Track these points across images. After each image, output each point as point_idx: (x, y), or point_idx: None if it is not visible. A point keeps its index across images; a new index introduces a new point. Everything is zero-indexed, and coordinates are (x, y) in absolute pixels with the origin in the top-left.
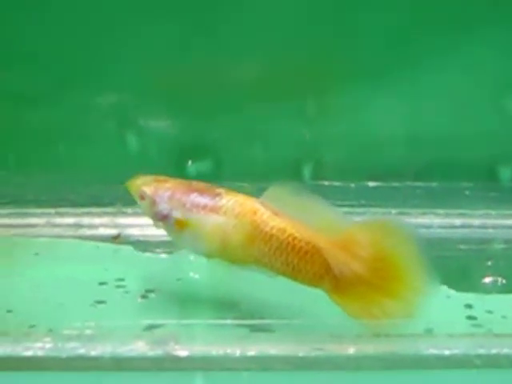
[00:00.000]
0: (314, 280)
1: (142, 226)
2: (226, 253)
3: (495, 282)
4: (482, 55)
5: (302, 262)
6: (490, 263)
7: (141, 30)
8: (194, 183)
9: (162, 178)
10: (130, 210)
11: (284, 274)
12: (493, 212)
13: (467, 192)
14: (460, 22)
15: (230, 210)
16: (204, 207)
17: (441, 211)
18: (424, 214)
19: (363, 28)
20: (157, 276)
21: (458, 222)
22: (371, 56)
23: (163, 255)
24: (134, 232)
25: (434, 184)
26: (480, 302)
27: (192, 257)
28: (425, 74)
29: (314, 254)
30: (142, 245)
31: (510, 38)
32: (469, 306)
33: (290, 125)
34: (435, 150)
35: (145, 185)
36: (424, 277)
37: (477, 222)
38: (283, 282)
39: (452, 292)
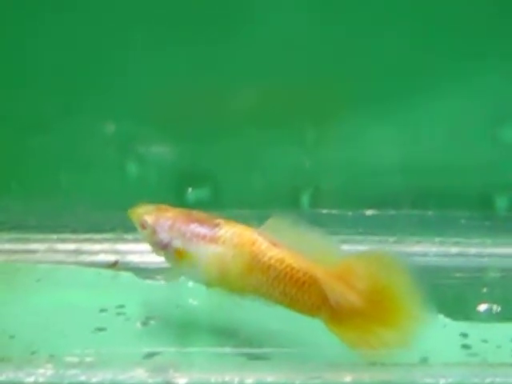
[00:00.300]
0: (311, 310)
1: (142, 252)
2: (225, 282)
3: (490, 310)
4: (478, 85)
5: (299, 293)
6: (485, 291)
7: (141, 58)
8: (195, 213)
9: (163, 206)
10: (130, 237)
11: (282, 303)
12: (488, 241)
13: (463, 221)
14: (455, 53)
15: (228, 240)
16: (203, 237)
17: (437, 239)
18: (420, 242)
19: (362, 56)
20: (157, 303)
21: (453, 250)
22: (370, 84)
23: (163, 282)
24: (134, 258)
25: (430, 212)
26: (475, 330)
27: (191, 283)
28: (422, 102)
29: (311, 284)
30: (142, 271)
31: (506, 69)
32: (464, 335)
33: (289, 152)
34: (431, 178)
35: (146, 213)
36: (420, 308)
37: (472, 250)
38: (282, 311)
39: (448, 321)
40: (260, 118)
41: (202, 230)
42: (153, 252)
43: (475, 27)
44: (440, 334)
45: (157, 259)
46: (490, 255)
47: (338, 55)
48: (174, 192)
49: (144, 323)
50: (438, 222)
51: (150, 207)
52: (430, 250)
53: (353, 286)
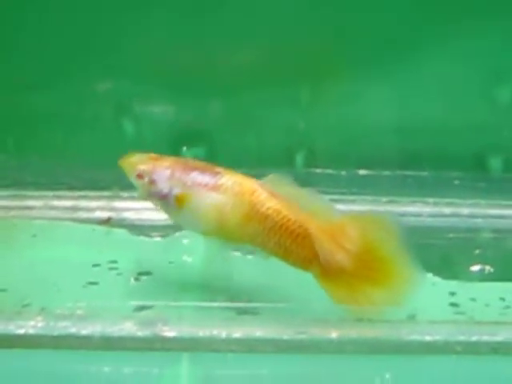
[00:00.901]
0: (303, 263)
1: (137, 209)
2: (223, 231)
3: (482, 270)
4: (473, 46)
5: (293, 244)
6: (477, 252)
7: (137, 17)
8: (191, 161)
9: (154, 155)
10: (125, 194)
11: (276, 254)
12: (482, 202)
13: (456, 181)
14: (450, 14)
15: (229, 188)
16: (205, 185)
17: (430, 200)
18: (413, 202)
19: (358, 18)
20: (150, 259)
21: (447, 210)
22: (365, 47)
23: (157, 238)
24: (130, 216)
25: (424, 173)
26: (464, 289)
27: (185, 240)
28: (416, 65)
29: (305, 237)
30: (137, 228)
31: (500, 29)
32: (452, 294)
33: (284, 112)
34: (426, 139)
35: (142, 163)
36: (410, 269)
37: (465, 211)
38: (273, 266)
39: (437, 279)
40: (256, 78)
41: (204, 178)
42: (147, 201)
43: None
44: (429, 292)
45: (152, 216)
46: (483, 216)
47: (334, 19)
48: (169, 150)
49: (136, 278)
50: (431, 183)
51: (143, 156)
52: (423, 210)
53: (344, 245)
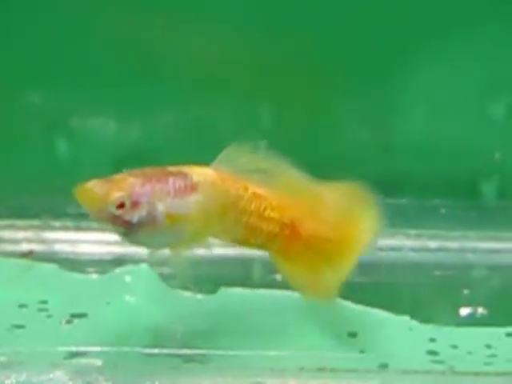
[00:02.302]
0: (267, 239)
1: (71, 241)
2: (206, 230)
3: (471, 313)
4: (463, 59)
5: (259, 220)
6: (466, 292)
7: (73, 25)
8: (149, 171)
9: (110, 178)
10: (57, 224)
11: (240, 238)
12: (472, 234)
13: (443, 210)
14: (438, 28)
15: (203, 183)
16: (185, 189)
17: (412, 232)
18: (393, 234)
19: (337, 29)
20: (85, 298)
21: (432, 244)
22: (345, 59)
23: (94, 275)
24: (62, 248)
25: (405, 200)
26: (446, 335)
27: (128, 277)
28: (401, 80)
29: (272, 209)
30: (71, 263)
31: (492, 46)
32: (432, 340)
33: (241, 131)
34: (408, 162)
35: (115, 189)
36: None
37: (453, 244)
38: (226, 308)
39: (415, 323)
40: (209, 92)
41: (181, 182)
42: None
43: (457, 6)
44: (405, 338)
45: (89, 250)
46: (473, 250)
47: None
48: (109, 173)
49: (68, 321)
50: (414, 212)
51: (101, 181)
52: (404, 243)
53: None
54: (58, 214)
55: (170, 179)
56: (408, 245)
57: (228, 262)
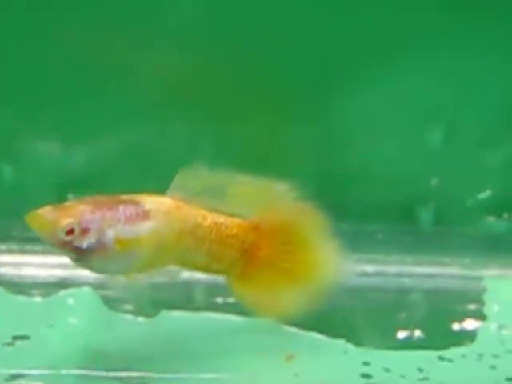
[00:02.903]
0: (228, 265)
1: (16, 264)
2: (159, 258)
3: (407, 336)
4: (400, 86)
5: (221, 247)
6: (403, 315)
7: (18, 48)
8: (100, 198)
9: (63, 204)
10: (2, 247)
11: (201, 265)
12: (409, 258)
13: (380, 235)
14: (379, 56)
15: (156, 211)
16: (137, 217)
17: (351, 256)
18: None
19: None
20: (27, 321)
21: (369, 268)
22: (285, 89)
23: (38, 298)
24: (5, 271)
25: (343, 225)
26: (380, 358)
27: (71, 300)
28: (338, 104)
29: (233, 236)
30: (15, 286)
31: (429, 73)
32: (366, 363)
33: (189, 154)
34: (346, 186)
35: (65, 216)
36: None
37: (391, 269)
38: (169, 330)
39: (350, 347)
40: (152, 115)
41: (133, 210)
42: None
43: (393, 33)
44: (339, 361)
45: (33, 273)
46: (410, 275)
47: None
48: (54, 199)
49: (9, 343)
50: (352, 237)
51: (52, 208)
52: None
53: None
54: (3, 237)
55: (121, 207)
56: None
57: (169, 286)
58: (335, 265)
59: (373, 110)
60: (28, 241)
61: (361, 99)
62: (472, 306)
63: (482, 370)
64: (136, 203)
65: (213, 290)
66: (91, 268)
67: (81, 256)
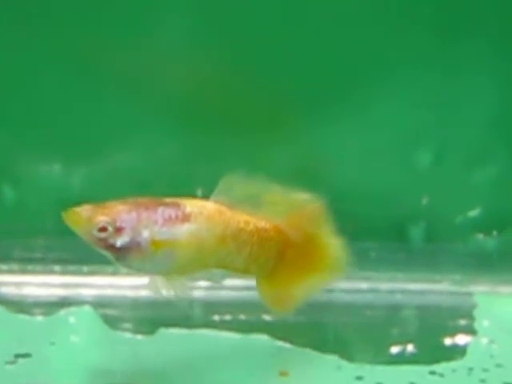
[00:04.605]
0: (263, 266)
1: (17, 284)
2: (198, 261)
3: (400, 352)
4: (389, 109)
5: (261, 250)
6: (395, 331)
7: (16, 69)
8: (141, 200)
9: (103, 203)
10: (4, 267)
11: (240, 267)
12: (401, 275)
13: (373, 253)
14: (366, 76)
15: (198, 215)
16: (176, 219)
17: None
18: None
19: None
20: (29, 339)
21: (363, 285)
22: (275, 109)
23: (39, 317)
24: (8, 291)
25: None
26: (373, 373)
27: (72, 318)
28: (329, 123)
29: (271, 239)
30: (17, 305)
31: (418, 93)
32: (359, 378)
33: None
34: (338, 205)
35: (98, 213)
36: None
37: (384, 286)
38: (162, 350)
39: (344, 362)
40: (150, 134)
41: (171, 212)
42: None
43: (381, 55)
44: (333, 376)
45: (35, 292)
46: (402, 291)
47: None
48: (56, 220)
49: (11, 361)
50: None
51: (90, 206)
52: (336, 285)
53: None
54: (4, 258)
55: (160, 208)
56: (339, 286)
57: (168, 303)
58: (343, 258)
59: (363, 131)
60: (29, 261)
61: (352, 119)
62: (463, 322)
63: (472, 383)
64: (177, 206)
65: (210, 307)
66: (129, 267)
67: (117, 255)
